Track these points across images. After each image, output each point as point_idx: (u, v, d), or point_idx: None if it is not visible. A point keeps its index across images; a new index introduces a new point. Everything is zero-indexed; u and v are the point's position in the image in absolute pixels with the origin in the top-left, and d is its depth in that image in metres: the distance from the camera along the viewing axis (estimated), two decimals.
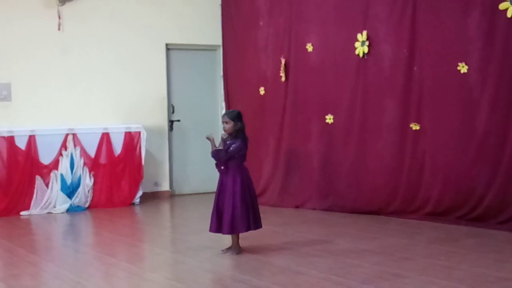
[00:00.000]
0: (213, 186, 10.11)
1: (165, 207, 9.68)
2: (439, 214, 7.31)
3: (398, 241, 6.46)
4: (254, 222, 5.98)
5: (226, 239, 6.18)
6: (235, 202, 5.87)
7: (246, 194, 5.91)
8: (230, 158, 5.90)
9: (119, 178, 9.34)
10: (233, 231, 5.93)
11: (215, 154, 5.95)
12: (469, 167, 7.01)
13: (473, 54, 6.90)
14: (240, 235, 6.05)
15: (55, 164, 8.91)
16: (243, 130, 6.00)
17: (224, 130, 6.00)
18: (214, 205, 6.00)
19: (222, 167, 5.94)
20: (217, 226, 5.96)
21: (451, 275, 5.02)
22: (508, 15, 6.54)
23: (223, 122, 6.01)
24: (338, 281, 4.91)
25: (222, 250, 6.05)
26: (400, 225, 7.29)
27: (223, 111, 10.25)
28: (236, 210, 5.87)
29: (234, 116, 5.97)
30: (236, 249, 6.00)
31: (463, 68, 6.95)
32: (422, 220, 7.40)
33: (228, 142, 5.96)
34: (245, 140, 5.98)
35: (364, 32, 7.90)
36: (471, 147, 6.99)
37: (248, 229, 5.95)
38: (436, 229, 6.96)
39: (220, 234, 6.05)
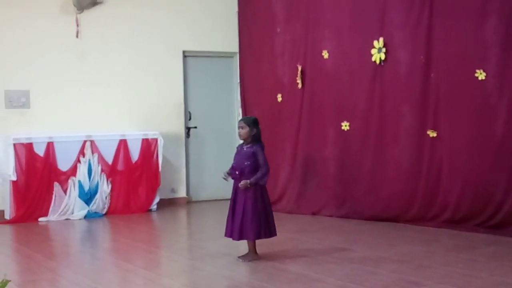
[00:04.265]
0: (230, 193, 10.17)
1: (182, 213, 9.70)
2: (457, 222, 7.26)
3: (416, 248, 6.41)
4: (266, 230, 5.95)
5: (243, 246, 6.17)
6: (245, 208, 5.87)
7: (257, 201, 5.89)
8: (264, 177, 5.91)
9: (136, 184, 9.37)
10: (242, 237, 5.93)
11: (262, 178, 5.90)
12: (487, 173, 6.95)
13: (491, 60, 6.85)
14: (257, 242, 6.05)
15: (73, 171, 8.97)
16: (259, 136, 6.01)
17: (239, 135, 6.04)
18: (229, 210, 6.02)
19: (237, 172, 5.95)
20: (230, 231, 5.98)
21: (470, 283, 4.98)
22: None
23: (238, 127, 6.04)
24: None
25: (239, 257, 6.04)
26: (418, 233, 7.25)
27: (240, 118, 10.30)
28: (246, 217, 5.86)
29: (250, 121, 6.00)
30: (252, 255, 5.98)
31: (480, 74, 6.90)
32: (440, 227, 7.35)
33: (245, 147, 5.99)
34: (262, 146, 6.00)
35: (381, 39, 7.88)
36: (488, 153, 6.94)
37: (257, 237, 5.92)
38: (454, 237, 6.91)
39: (239, 241, 6.05)
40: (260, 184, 5.94)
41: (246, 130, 5.96)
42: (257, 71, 10.04)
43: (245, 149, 5.99)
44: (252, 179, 5.84)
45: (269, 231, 5.99)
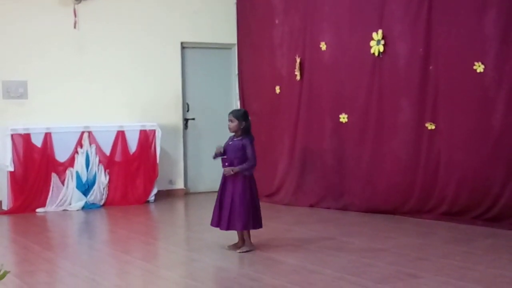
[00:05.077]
0: None
1: (180, 205, 9.70)
2: (454, 214, 7.27)
3: (413, 240, 6.43)
4: (253, 221, 6.00)
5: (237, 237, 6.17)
6: (233, 199, 5.93)
7: (246, 192, 5.94)
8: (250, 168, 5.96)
9: (134, 176, 9.37)
10: (229, 227, 5.97)
11: (247, 169, 5.94)
12: (485, 166, 6.96)
13: (489, 53, 6.85)
14: (254, 233, 6.05)
15: (70, 162, 8.96)
16: (249, 129, 6.05)
17: (229, 128, 6.08)
18: (216, 200, 6.08)
19: (227, 163, 5.99)
20: (218, 221, 6.04)
21: (467, 275, 4.99)
22: None
23: (228, 120, 6.06)
24: (353, 281, 4.90)
25: (228, 246, 6.10)
26: (415, 225, 7.26)
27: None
28: (234, 207, 5.92)
29: (239, 115, 6.04)
30: (248, 246, 6.01)
31: (479, 67, 6.90)
32: (437, 220, 7.36)
33: (235, 140, 6.03)
34: (252, 139, 6.02)
35: (380, 31, 7.86)
36: (486, 146, 6.94)
37: (244, 227, 5.97)
38: (451, 229, 6.92)
39: (234, 232, 6.08)
40: (248, 176, 5.98)
41: (235, 123, 6.00)
42: (255, 62, 10.02)
43: (235, 141, 6.02)
44: (237, 168, 5.90)
45: (256, 222, 6.04)
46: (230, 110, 6.36)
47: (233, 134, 6.10)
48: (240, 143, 5.98)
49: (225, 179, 6.04)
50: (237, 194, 5.92)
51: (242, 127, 5.99)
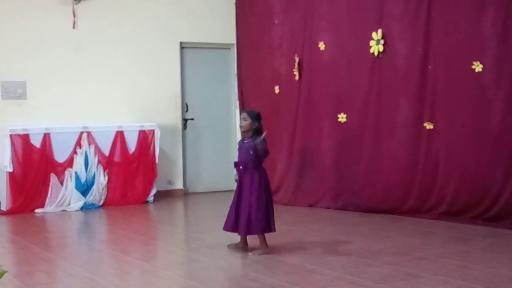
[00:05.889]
0: (227, 185, 10.11)
1: (179, 205, 9.70)
2: (453, 214, 7.27)
3: (413, 240, 6.43)
4: (269, 225, 5.96)
5: (239, 237, 6.17)
6: (251, 203, 5.87)
7: (262, 195, 5.89)
8: (266, 150, 5.91)
9: (133, 176, 9.36)
10: (248, 232, 5.93)
11: (264, 150, 5.90)
12: (484, 166, 6.96)
13: (488, 52, 6.85)
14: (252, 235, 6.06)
15: (69, 162, 8.95)
16: (260, 131, 6.02)
17: (241, 126, 6.06)
18: (232, 204, 6.03)
19: (241, 167, 5.96)
20: (234, 226, 5.98)
21: (466, 275, 4.99)
22: None
23: (241, 119, 6.06)
24: (352, 280, 4.90)
25: (228, 246, 6.11)
26: (414, 225, 7.26)
27: (237, 110, 10.29)
28: (252, 212, 5.86)
29: (253, 115, 6.02)
30: (264, 249, 5.92)
31: (477, 66, 6.90)
32: (436, 219, 7.36)
33: (245, 142, 6.01)
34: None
35: (379, 31, 7.86)
36: (485, 146, 6.94)
37: (263, 231, 5.92)
38: (450, 229, 6.92)
39: (234, 233, 6.06)
40: (264, 180, 5.92)
41: (248, 122, 5.98)
42: (254, 62, 10.02)
43: (246, 143, 6.00)
44: (259, 140, 5.82)
45: (270, 225, 5.97)
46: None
47: (242, 137, 6.07)
48: (252, 144, 5.93)
49: (241, 183, 5.98)
50: (254, 199, 5.86)
51: (254, 127, 5.97)
